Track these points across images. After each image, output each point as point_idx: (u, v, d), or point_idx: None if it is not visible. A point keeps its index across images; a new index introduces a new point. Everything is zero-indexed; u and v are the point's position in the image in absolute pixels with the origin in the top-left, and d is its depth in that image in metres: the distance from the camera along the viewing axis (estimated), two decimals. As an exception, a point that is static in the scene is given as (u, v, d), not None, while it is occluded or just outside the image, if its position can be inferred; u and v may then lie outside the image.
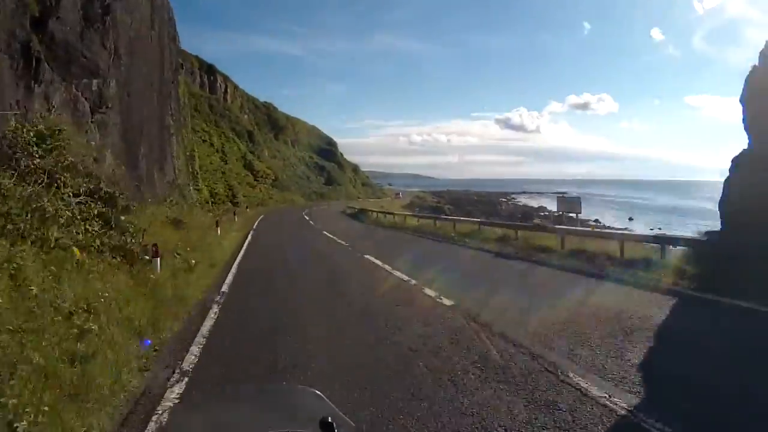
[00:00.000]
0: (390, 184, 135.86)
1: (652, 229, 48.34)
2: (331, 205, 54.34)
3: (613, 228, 42.42)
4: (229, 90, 63.26)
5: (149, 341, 5.22)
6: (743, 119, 9.60)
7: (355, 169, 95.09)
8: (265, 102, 76.26)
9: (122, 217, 8.62)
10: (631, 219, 59.30)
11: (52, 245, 6.02)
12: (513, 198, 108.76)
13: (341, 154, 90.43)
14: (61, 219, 6.69)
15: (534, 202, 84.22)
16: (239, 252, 14.55)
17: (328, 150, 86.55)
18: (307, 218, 32.59)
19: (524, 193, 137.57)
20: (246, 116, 64.89)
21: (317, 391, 1.89)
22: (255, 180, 51.71)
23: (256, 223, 27.56)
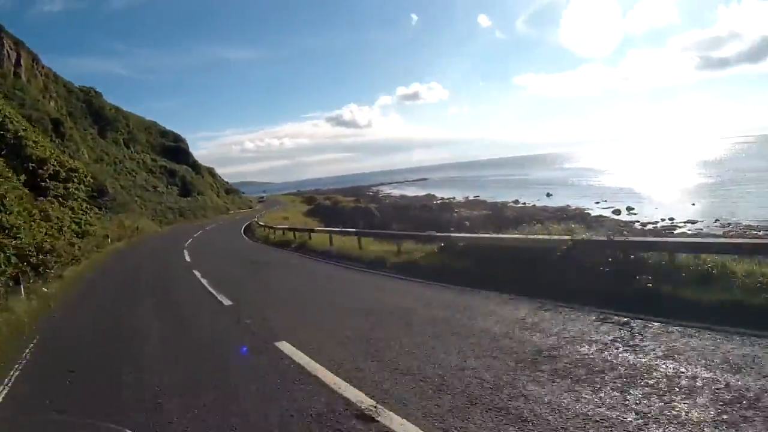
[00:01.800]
0: (243, 193, 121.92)
1: (597, 202, 49.53)
2: (218, 231, 34.50)
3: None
4: (24, 63, 43.70)
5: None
6: None
7: (212, 172, 75.61)
8: (83, 87, 55.04)
9: None
10: (549, 195, 59.24)
11: None
12: (387, 191, 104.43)
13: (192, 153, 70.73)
14: None
15: (444, 193, 78.21)
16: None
17: (176, 148, 66.08)
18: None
19: (382, 184, 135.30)
20: (53, 102, 45.68)
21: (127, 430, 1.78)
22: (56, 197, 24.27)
23: None
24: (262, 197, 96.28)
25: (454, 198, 66.53)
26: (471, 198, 64.55)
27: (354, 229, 17.68)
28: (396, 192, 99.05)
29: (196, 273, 13.64)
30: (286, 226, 25.97)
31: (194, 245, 23.85)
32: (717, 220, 32.37)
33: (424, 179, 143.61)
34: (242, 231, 31.31)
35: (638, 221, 35.39)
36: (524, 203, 52.92)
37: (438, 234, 12.21)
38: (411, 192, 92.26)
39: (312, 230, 21.39)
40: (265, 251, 20.23)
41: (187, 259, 18.20)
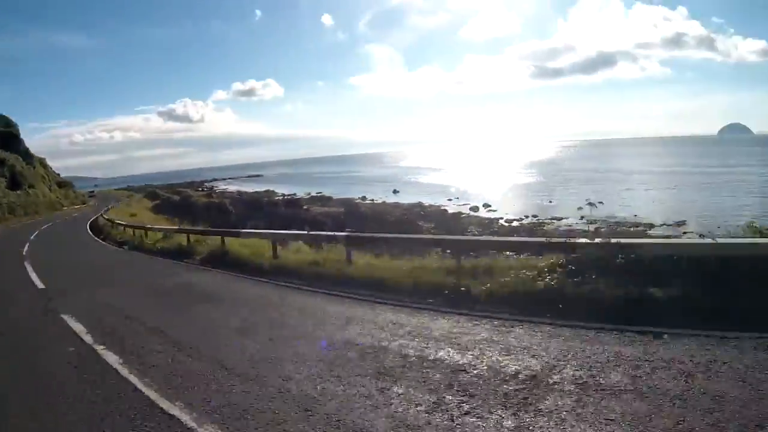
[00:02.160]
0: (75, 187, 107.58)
1: (450, 199, 52.67)
2: (57, 235, 26.02)
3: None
4: None
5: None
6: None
7: (44, 163, 60.65)
8: None
9: None
10: (396, 192, 60.53)
11: None
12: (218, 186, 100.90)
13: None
14: None
15: (284, 189, 75.87)
16: None
17: (5, 134, 51.92)
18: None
19: (215, 180, 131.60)
20: None
21: None
22: None
23: None
24: (93, 192, 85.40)
25: (295, 194, 64.44)
26: (314, 194, 63.38)
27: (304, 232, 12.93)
28: (232, 188, 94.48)
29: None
30: (174, 227, 20.54)
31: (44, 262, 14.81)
32: (536, 216, 37.04)
33: (259, 175, 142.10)
34: (91, 232, 25.96)
35: (501, 218, 37.21)
36: (373, 200, 53.43)
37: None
38: (248, 188, 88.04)
39: (228, 232, 14.28)
40: (147, 262, 14.21)
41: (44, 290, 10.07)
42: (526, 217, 36.87)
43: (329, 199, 56.01)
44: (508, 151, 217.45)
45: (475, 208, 42.41)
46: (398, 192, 59.99)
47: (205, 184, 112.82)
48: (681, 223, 29.50)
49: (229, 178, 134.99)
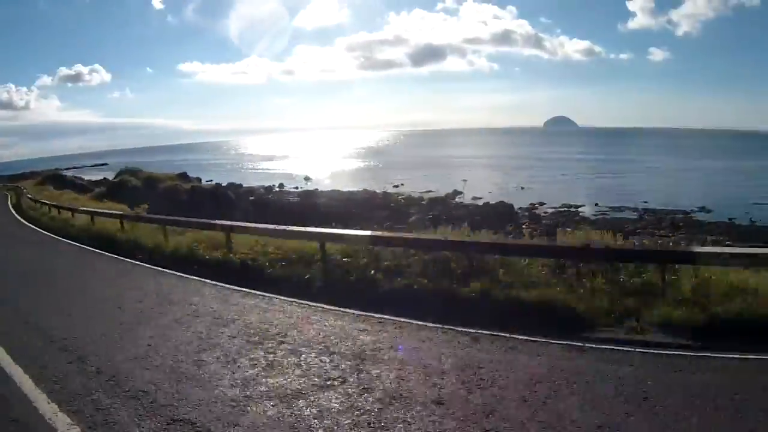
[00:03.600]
0: None
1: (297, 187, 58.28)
2: None
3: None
4: None
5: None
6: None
7: None
8: None
9: None
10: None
11: None
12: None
13: None
14: None
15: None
16: None
17: None
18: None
19: (58, 169, 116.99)
20: None
21: None
22: None
23: None
24: None
25: (240, 183, 61.30)
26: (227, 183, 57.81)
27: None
28: (86, 177, 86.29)
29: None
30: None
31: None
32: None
33: (104, 164, 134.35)
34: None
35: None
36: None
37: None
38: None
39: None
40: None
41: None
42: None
43: (238, 186, 50.09)
44: (340, 140, 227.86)
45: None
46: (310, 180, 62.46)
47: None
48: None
49: (73, 168, 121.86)
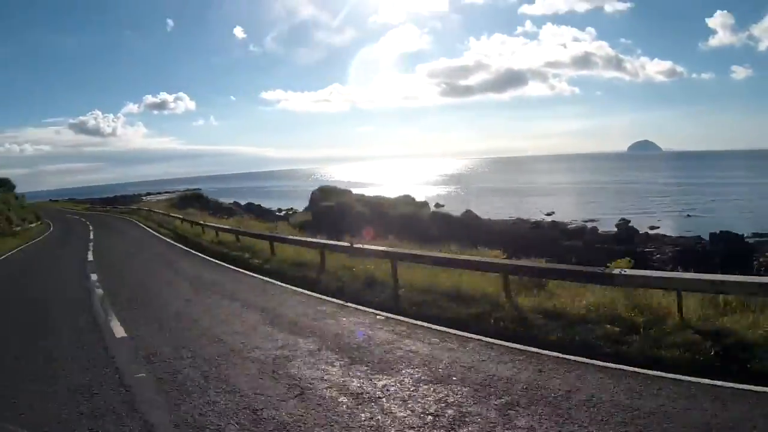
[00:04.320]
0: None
1: None
2: None
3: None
4: None
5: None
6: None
7: None
8: None
9: None
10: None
11: None
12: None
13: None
14: None
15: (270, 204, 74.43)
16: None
17: None
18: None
19: (149, 194, 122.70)
20: None
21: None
22: None
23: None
24: None
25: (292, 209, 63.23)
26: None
27: None
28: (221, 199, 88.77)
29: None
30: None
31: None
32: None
33: (198, 189, 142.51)
34: None
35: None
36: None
37: None
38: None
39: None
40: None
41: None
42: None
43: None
44: (421, 167, 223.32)
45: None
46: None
47: (142, 198, 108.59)
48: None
49: (165, 192, 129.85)
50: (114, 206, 57.79)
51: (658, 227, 34.58)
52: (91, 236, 23.64)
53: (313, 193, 35.61)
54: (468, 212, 33.54)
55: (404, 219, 24.80)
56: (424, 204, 33.13)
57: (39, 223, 36.04)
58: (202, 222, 20.32)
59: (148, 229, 26.22)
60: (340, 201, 29.15)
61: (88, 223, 32.75)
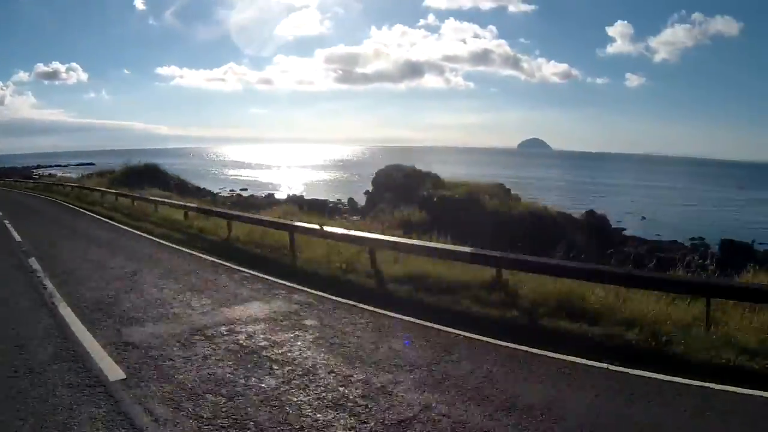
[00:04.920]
0: None
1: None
2: None
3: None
4: None
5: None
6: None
7: None
8: None
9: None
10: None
11: None
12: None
13: None
14: None
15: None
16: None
17: None
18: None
19: (39, 167, 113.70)
20: None
21: None
22: None
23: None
24: None
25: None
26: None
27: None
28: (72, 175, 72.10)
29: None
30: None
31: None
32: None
33: (91, 164, 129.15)
34: None
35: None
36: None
37: None
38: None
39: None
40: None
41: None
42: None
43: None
44: (317, 153, 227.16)
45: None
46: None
47: (33, 170, 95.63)
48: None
49: (56, 165, 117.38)
50: (9, 179, 47.98)
51: (625, 228, 33.52)
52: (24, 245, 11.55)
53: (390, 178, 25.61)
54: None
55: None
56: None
57: None
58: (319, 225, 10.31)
59: (121, 225, 15.13)
60: (462, 192, 21.18)
61: None
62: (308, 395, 4.18)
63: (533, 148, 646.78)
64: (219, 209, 15.02)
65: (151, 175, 31.16)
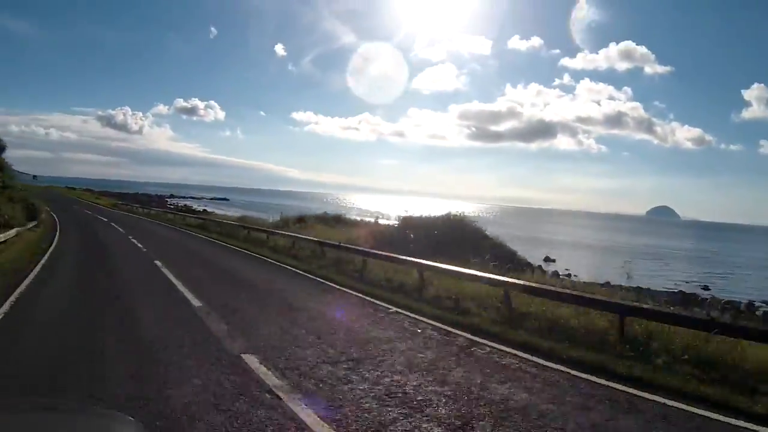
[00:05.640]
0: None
1: None
2: None
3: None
4: None
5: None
6: None
7: None
8: None
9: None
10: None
11: None
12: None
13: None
14: None
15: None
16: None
17: None
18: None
19: (173, 196, 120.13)
20: None
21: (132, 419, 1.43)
22: None
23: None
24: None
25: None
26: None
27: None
28: (218, 210, 76.26)
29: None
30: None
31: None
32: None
33: (225, 199, 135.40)
34: None
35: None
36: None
37: None
38: (231, 211, 71.17)
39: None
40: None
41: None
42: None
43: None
44: (440, 207, 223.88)
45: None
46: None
47: (166, 199, 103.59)
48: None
49: (190, 197, 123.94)
50: (145, 206, 49.53)
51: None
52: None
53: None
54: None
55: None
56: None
57: (33, 225, 21.54)
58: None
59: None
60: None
61: (145, 249, 17.10)
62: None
63: (661, 216, 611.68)
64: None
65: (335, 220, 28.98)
